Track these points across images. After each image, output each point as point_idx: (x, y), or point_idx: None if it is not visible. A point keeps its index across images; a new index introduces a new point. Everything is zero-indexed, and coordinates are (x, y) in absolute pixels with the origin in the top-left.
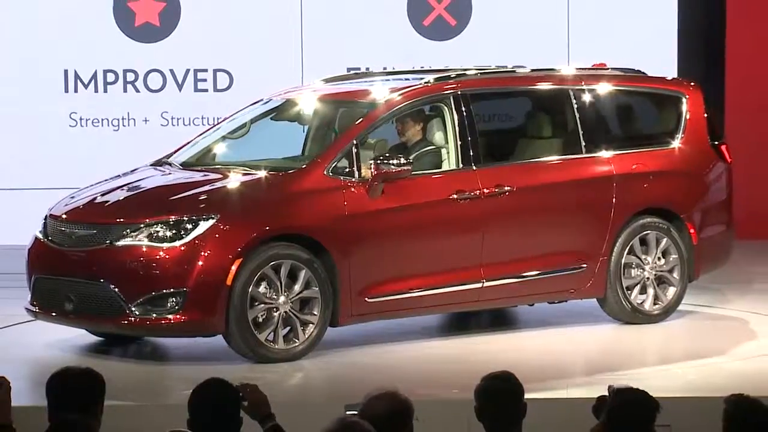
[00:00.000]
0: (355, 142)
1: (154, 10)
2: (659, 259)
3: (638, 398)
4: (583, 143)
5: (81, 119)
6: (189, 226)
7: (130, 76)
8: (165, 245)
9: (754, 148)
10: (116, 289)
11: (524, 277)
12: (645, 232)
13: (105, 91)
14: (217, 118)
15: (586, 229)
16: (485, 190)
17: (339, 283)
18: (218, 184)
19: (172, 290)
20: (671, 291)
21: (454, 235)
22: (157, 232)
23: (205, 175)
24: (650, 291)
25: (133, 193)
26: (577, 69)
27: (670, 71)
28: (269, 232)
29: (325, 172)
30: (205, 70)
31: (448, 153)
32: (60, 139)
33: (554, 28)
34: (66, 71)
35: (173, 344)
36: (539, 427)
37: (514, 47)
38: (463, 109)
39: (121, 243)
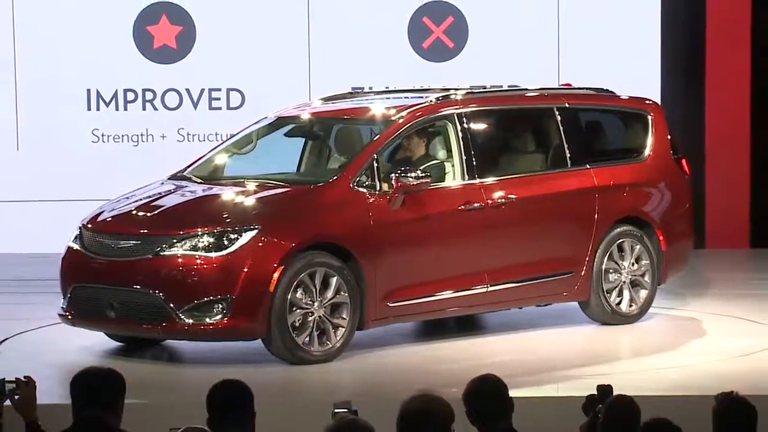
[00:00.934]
0: (375, 156)
1: (171, 33)
2: (633, 264)
3: (627, 402)
4: (568, 157)
5: (103, 135)
6: (233, 236)
7: (149, 95)
8: (211, 255)
9: (730, 162)
10: (163, 297)
11: (522, 281)
12: (621, 240)
13: (125, 109)
14: (230, 135)
15: (574, 237)
16: (489, 201)
17: (365, 289)
18: (255, 197)
19: (218, 297)
20: (643, 294)
21: (463, 243)
22: (202, 242)
23: (235, 189)
24: (626, 294)
25: (171, 205)
26: (556, 88)
27: (654, 88)
28: (306, 241)
29: (351, 185)
30: (219, 90)
31: (453, 167)
32: (83, 153)
33: (545, 49)
34: (89, 90)
35: (189, 348)
36: (531, 424)
37: (507, 68)
38: (466, 125)
39: (167, 253)
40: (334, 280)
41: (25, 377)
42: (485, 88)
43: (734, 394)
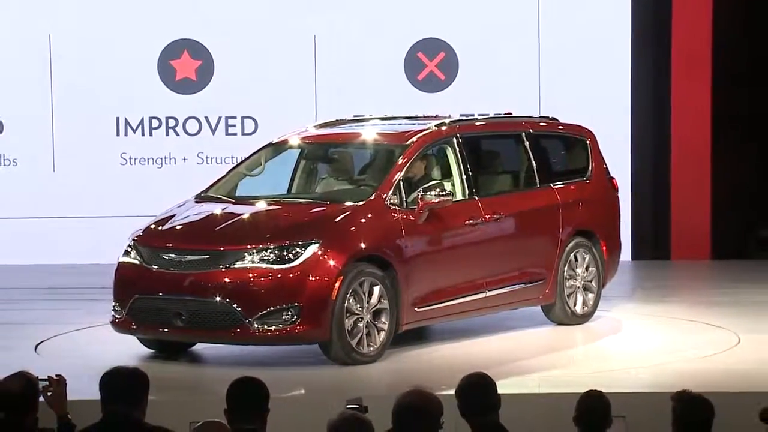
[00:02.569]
0: (401, 177)
1: (191, 67)
2: (585, 271)
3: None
4: (537, 177)
5: (130, 158)
6: (298, 250)
7: (172, 122)
8: (280, 266)
9: (693, 183)
10: (236, 306)
11: (509, 287)
12: (576, 250)
13: (150, 134)
14: (243, 158)
15: (545, 249)
16: (486, 217)
17: (400, 296)
18: (310, 214)
19: (287, 305)
20: (591, 297)
21: (470, 254)
22: (270, 255)
23: (280, 207)
24: (580, 297)
25: (229, 223)
26: (517, 116)
27: (626, 119)
28: (358, 253)
29: (385, 203)
30: (235, 117)
31: (453, 186)
32: (113, 174)
33: (526, 81)
34: (117, 118)
35: (207, 350)
36: (516, 419)
37: (493, 98)
38: (463, 149)
39: (238, 266)
40: (377, 289)
41: (56, 376)
42: (468, 116)
43: (690, 392)
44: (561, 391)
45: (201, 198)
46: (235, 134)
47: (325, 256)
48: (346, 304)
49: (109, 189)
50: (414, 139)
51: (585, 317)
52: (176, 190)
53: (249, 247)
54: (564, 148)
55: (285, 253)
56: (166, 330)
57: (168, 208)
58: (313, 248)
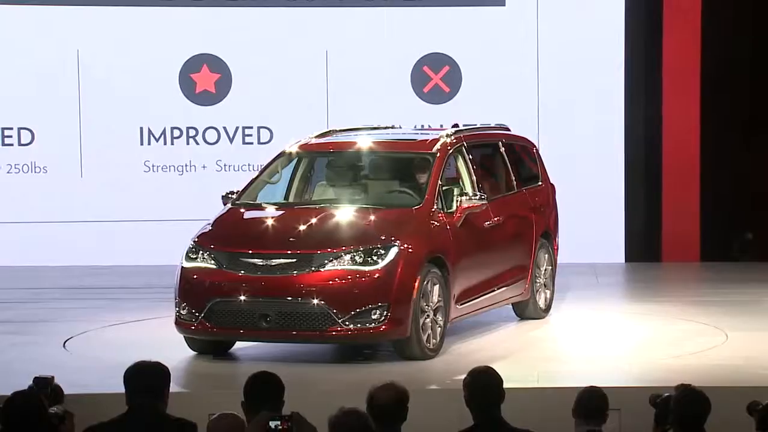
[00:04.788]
0: (440, 183)
1: (210, 80)
2: (545, 270)
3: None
4: (515, 183)
5: (153, 166)
6: (382, 252)
7: (192, 132)
8: (368, 268)
9: (682, 189)
10: (328, 306)
11: (507, 285)
12: (541, 250)
13: (172, 143)
14: (261, 166)
15: (525, 248)
16: (495, 219)
17: (450, 294)
18: (383, 218)
19: (377, 305)
20: (548, 293)
21: (487, 254)
22: (357, 258)
23: (345, 212)
24: (542, 294)
25: (305, 227)
26: (488, 126)
27: (618, 128)
28: (428, 254)
29: (433, 207)
30: (251, 127)
31: (463, 190)
32: (136, 181)
33: (525, 93)
34: (141, 128)
35: (236, 348)
36: (518, 412)
37: (494, 109)
38: (470, 155)
39: (328, 268)
40: (436, 288)
41: (66, 412)
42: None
43: (692, 387)
44: (559, 385)
45: (245, 206)
46: (251, 143)
47: (406, 258)
48: (420, 303)
49: (133, 195)
50: (438, 146)
51: (546, 311)
52: (196, 196)
53: (336, 249)
54: (522, 155)
55: (371, 255)
56: (249, 332)
57: (216, 215)
58: (394, 250)
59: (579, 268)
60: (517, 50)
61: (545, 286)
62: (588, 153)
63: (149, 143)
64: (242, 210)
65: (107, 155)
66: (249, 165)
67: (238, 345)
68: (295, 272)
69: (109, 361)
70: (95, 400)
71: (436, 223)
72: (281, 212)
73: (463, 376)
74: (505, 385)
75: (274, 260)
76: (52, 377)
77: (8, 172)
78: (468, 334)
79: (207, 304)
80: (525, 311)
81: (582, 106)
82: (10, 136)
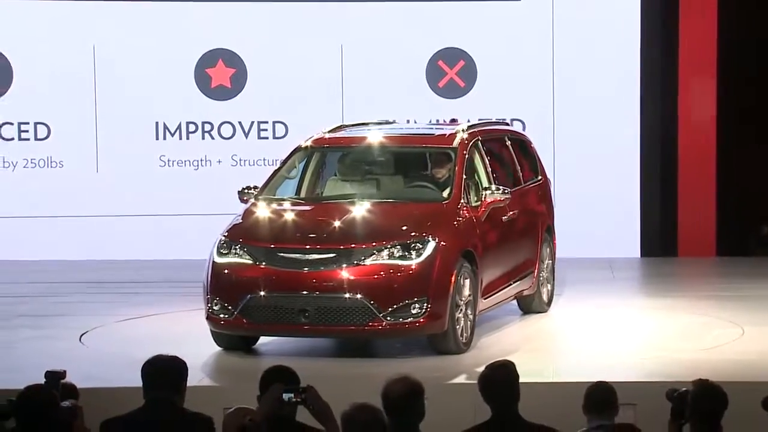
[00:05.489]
0: (465, 177)
1: (226, 75)
2: (547, 263)
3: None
4: (521, 177)
5: (169, 161)
6: (420, 246)
7: (207, 127)
8: (407, 262)
9: (699, 184)
10: (369, 301)
11: (520, 279)
12: (544, 244)
13: (187, 138)
14: (276, 161)
15: (533, 242)
16: (510, 213)
17: (478, 287)
18: (418, 212)
19: (416, 299)
20: (549, 287)
21: (508, 248)
22: (396, 252)
23: (382, 206)
24: (545, 287)
25: (341, 222)
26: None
27: (634, 122)
28: (462, 248)
29: (461, 201)
30: (266, 122)
31: (480, 185)
32: (152, 176)
33: (541, 87)
34: (157, 123)
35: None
36: (533, 407)
37: (509, 103)
38: (484, 150)
39: (368, 262)
40: (468, 282)
41: (76, 407)
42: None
43: (709, 382)
44: (575, 380)
45: (270, 201)
46: (266, 138)
47: (442, 252)
48: (456, 298)
49: (149, 189)
50: (458, 141)
51: (548, 305)
52: (211, 191)
53: (375, 244)
54: (524, 150)
55: (409, 250)
56: (287, 327)
57: (243, 210)
58: (432, 244)
59: (595, 263)
60: (533, 45)
61: (547, 280)
62: (603, 147)
63: (165, 138)
64: (270, 205)
65: (123, 150)
66: (264, 160)
67: (261, 340)
68: (334, 267)
69: (126, 354)
70: (112, 393)
71: (463, 217)
72: (311, 207)
73: (481, 369)
74: (521, 379)
75: (312, 255)
76: (64, 372)
77: (24, 167)
78: (480, 330)
79: (243, 300)
80: (531, 305)
81: (597, 100)
82: (27, 131)
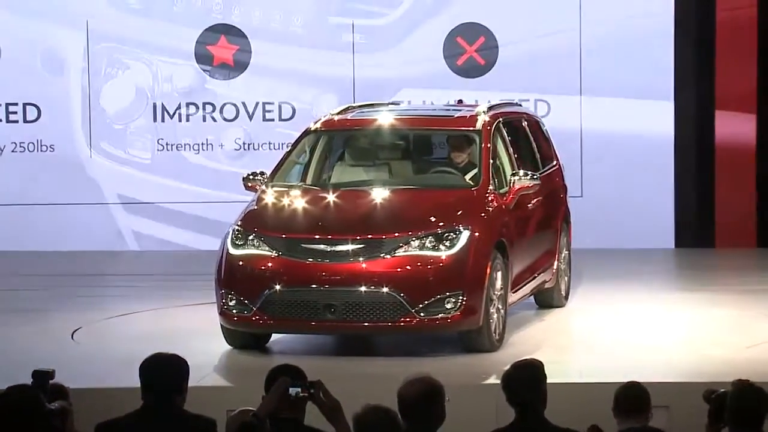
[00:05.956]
0: (492, 162)
1: (228, 52)
2: (564, 255)
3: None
4: (539, 162)
5: (167, 144)
6: (453, 236)
7: (209, 108)
8: (441, 254)
9: (737, 172)
10: (402, 295)
11: (543, 271)
12: (562, 233)
13: (187, 120)
14: (283, 144)
15: (553, 232)
16: (535, 200)
17: (509, 280)
18: (448, 200)
19: (451, 293)
20: (566, 279)
21: (532, 238)
22: (428, 242)
23: (408, 193)
24: (563, 280)
25: (366, 210)
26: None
27: (668, 105)
28: (496, 238)
29: (490, 188)
30: (272, 103)
31: (503, 170)
32: (150, 160)
33: (566, 64)
34: (155, 104)
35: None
36: (559, 410)
37: (534, 84)
38: (506, 133)
39: (400, 254)
40: (499, 274)
41: (64, 408)
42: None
43: (750, 382)
44: (604, 380)
45: (284, 188)
46: (272, 120)
47: (476, 243)
48: (490, 291)
49: (147, 173)
50: (481, 123)
51: (566, 298)
52: (212, 175)
53: (406, 234)
54: (539, 133)
55: (442, 240)
56: (312, 324)
57: (255, 198)
58: (465, 234)
59: (625, 255)
60: (559, 20)
61: (564, 272)
62: (635, 132)
63: (163, 120)
64: (284, 192)
65: (118, 133)
66: (269, 143)
67: (271, 338)
68: (362, 259)
69: (120, 353)
70: (106, 394)
71: (493, 205)
72: (330, 195)
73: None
74: (547, 380)
75: (339, 246)
76: (53, 371)
77: (13, 151)
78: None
79: (263, 295)
80: (550, 299)
81: (628, 80)
82: (15, 113)
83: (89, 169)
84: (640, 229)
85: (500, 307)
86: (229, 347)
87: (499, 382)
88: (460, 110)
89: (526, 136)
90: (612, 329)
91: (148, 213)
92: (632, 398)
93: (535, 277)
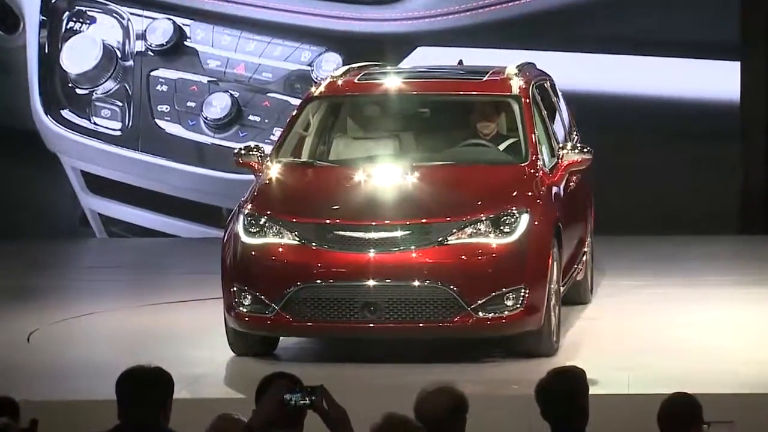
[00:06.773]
0: (537, 134)
1: (214, 3)
2: (588, 243)
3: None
4: (566, 132)
5: (140, 113)
6: (511, 220)
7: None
8: (499, 241)
9: None
10: (457, 290)
11: (579, 261)
12: (588, 218)
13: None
14: (278, 114)
15: (584, 217)
16: (574, 179)
17: (560, 273)
18: (495, 178)
19: (512, 288)
20: (590, 272)
21: (576, 223)
22: (482, 228)
23: (445, 170)
24: (589, 272)
25: (404, 190)
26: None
27: (734, 84)
28: (555, 222)
29: (539, 164)
30: (264, 65)
31: (539, 143)
32: (120, 131)
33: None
34: (125, 65)
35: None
36: (603, 424)
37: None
38: (539, 99)
39: (451, 241)
40: (555, 266)
41: (31, 420)
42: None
43: None
44: (654, 391)
45: (295, 164)
46: (265, 83)
47: (537, 227)
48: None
49: (115, 149)
50: (516, 87)
51: (591, 292)
52: (195, 150)
53: (460, 218)
54: (561, 98)
55: (500, 225)
56: (348, 326)
57: (264, 176)
58: (526, 218)
59: (681, 242)
60: None
61: (589, 264)
62: (697, 110)
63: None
64: (300, 169)
65: (82, 99)
66: (262, 113)
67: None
68: (407, 248)
69: (86, 359)
70: (71, 408)
71: (546, 184)
72: (359, 172)
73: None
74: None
75: (378, 233)
76: None
77: None
78: None
79: (287, 292)
80: (579, 294)
81: (690, 56)
82: None
83: (48, 142)
84: (697, 212)
85: (556, 303)
86: (215, 353)
87: (523, 393)
88: (483, 71)
89: (551, 103)
90: (664, 330)
91: (118, 194)
92: (680, 412)
93: (575, 268)
